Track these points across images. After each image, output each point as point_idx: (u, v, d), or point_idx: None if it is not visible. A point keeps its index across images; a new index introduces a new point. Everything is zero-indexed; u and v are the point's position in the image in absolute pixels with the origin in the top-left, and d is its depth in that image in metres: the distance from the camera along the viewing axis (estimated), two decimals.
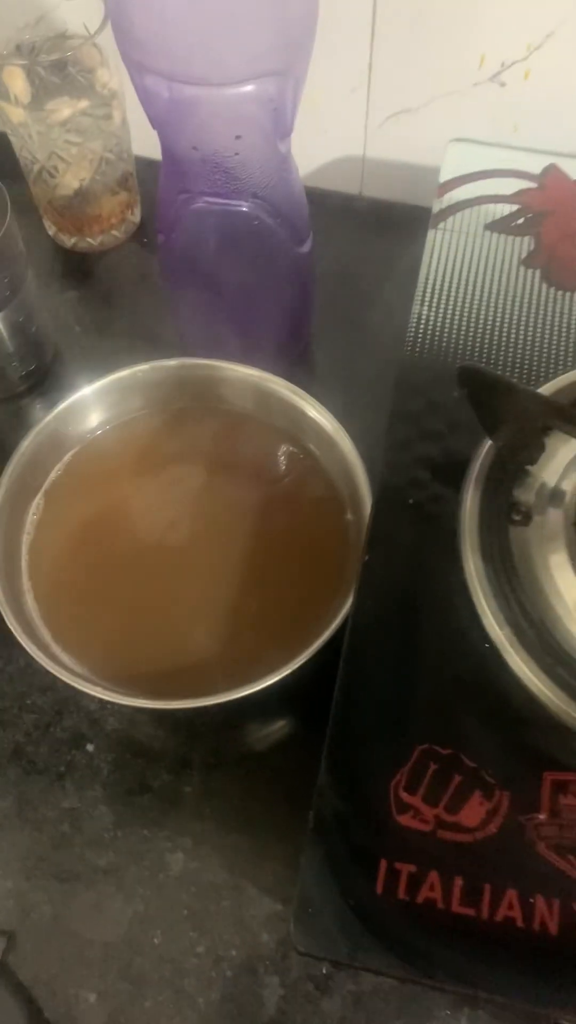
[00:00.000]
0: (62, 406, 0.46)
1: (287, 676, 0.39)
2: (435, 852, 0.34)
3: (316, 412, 0.45)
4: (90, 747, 0.45)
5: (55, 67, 0.51)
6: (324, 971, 0.41)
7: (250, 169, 0.41)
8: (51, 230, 0.60)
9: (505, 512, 0.41)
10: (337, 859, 0.34)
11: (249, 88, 0.37)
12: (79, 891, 0.42)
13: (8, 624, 0.40)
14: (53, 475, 0.47)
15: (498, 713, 0.37)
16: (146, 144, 0.42)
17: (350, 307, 0.55)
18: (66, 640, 0.42)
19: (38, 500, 0.46)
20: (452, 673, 0.37)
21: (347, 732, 0.36)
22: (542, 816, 0.34)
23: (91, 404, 0.47)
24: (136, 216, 0.60)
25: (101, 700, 0.44)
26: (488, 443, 0.42)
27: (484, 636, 0.38)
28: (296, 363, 0.51)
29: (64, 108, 0.50)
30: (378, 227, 0.59)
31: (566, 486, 0.41)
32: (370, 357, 0.52)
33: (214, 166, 0.41)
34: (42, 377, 0.56)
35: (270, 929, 0.41)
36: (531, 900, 0.33)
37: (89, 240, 0.59)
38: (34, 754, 0.45)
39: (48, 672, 0.39)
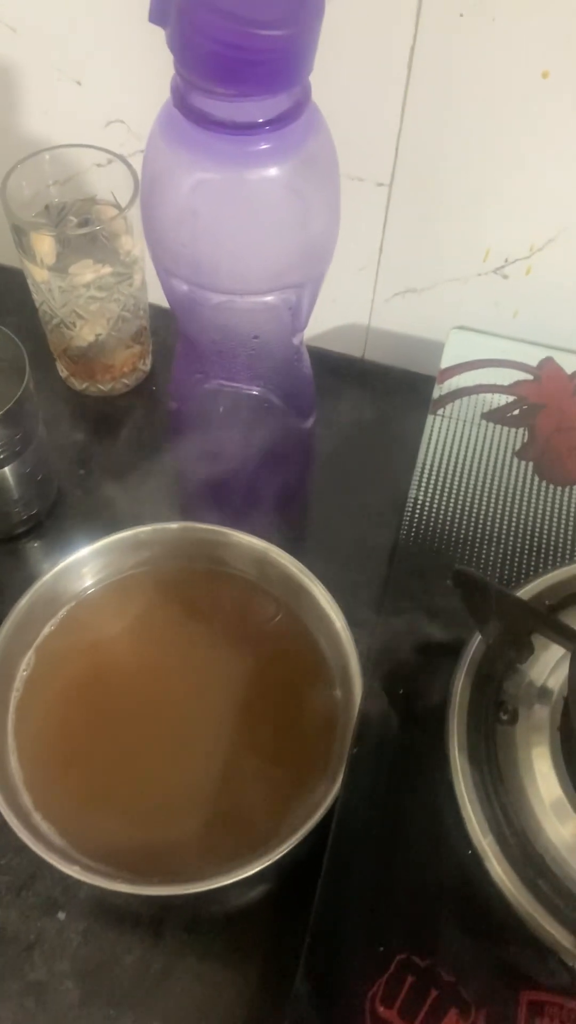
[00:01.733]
0: (61, 565, 0.47)
1: (268, 867, 0.39)
2: None
3: (313, 586, 0.46)
4: (62, 915, 0.44)
5: (83, 235, 0.53)
6: None
7: (265, 361, 0.43)
8: (63, 373, 0.62)
9: (493, 710, 0.41)
10: None
11: (270, 298, 0.39)
12: None
13: None
14: (46, 631, 0.47)
15: (478, 924, 0.37)
16: (161, 294, 0.44)
17: (349, 471, 0.57)
18: (47, 808, 0.42)
19: (29, 656, 0.46)
20: (434, 878, 0.38)
21: (327, 936, 0.36)
22: None
23: (90, 561, 0.48)
24: (147, 365, 0.62)
25: None
26: (479, 636, 0.43)
27: (467, 842, 0.38)
28: (293, 531, 0.52)
29: (87, 272, 0.53)
30: (379, 389, 0.62)
31: (552, 684, 0.42)
32: (364, 528, 0.54)
33: (231, 358, 0.43)
34: (43, 519, 0.57)
35: None
36: None
37: (100, 386, 0.61)
38: (4, 920, 0.44)
39: None
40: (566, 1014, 0.35)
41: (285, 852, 0.39)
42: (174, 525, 0.49)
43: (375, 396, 0.63)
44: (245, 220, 0.36)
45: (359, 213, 0.55)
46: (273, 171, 0.35)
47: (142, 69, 0.52)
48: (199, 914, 0.45)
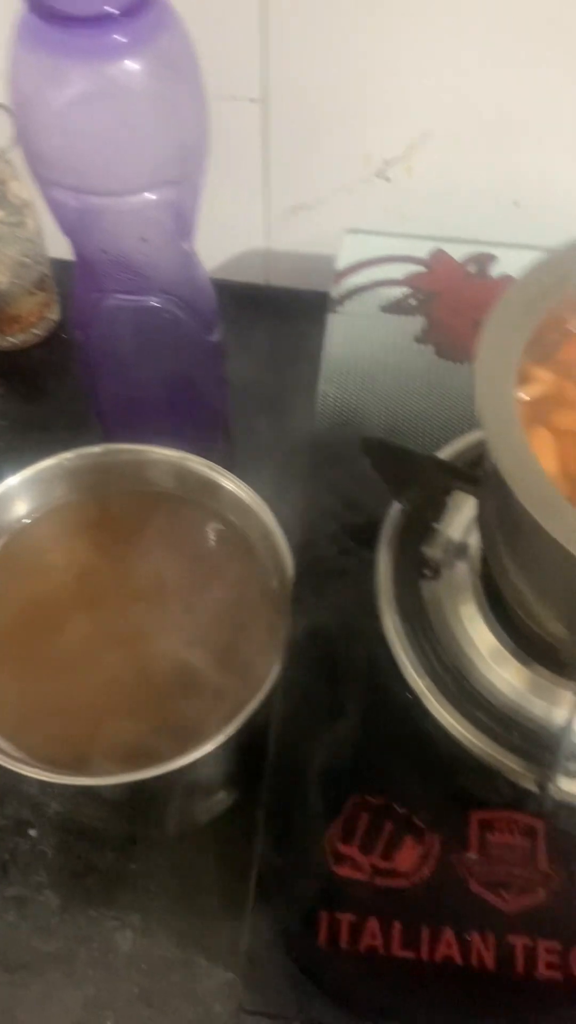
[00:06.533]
0: None
1: (222, 745, 0.40)
2: (373, 900, 0.35)
3: (235, 487, 0.48)
4: (33, 832, 0.45)
5: None
6: None
7: (157, 267, 0.44)
8: None
9: (416, 569, 0.43)
10: (280, 916, 0.35)
11: (150, 196, 0.40)
12: (28, 981, 0.42)
13: None
14: None
15: (424, 759, 0.39)
16: (62, 247, 0.45)
17: (263, 388, 0.58)
18: (2, 725, 0.43)
19: None
20: (379, 725, 0.39)
21: (282, 791, 0.38)
22: (472, 855, 0.36)
23: (18, 494, 0.49)
24: (55, 314, 0.63)
25: (41, 784, 0.45)
26: (397, 506, 0.45)
27: (405, 686, 0.40)
28: (215, 444, 0.54)
29: None
30: (285, 314, 0.63)
31: (471, 540, 0.44)
32: (285, 434, 0.55)
33: (123, 266, 0.44)
34: None
35: (223, 999, 0.41)
36: (468, 938, 0.35)
37: (10, 339, 0.61)
38: None
39: None
40: (513, 826, 0.37)
41: (240, 725, 0.40)
42: (96, 448, 0.50)
43: (283, 320, 0.64)
44: (111, 116, 0.37)
45: (237, 132, 0.56)
46: (131, 64, 0.36)
47: None
48: (167, 818, 0.46)
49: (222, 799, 0.47)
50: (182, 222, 0.44)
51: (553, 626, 0.36)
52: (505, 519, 0.35)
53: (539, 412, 0.36)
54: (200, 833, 0.46)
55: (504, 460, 0.30)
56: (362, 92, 0.53)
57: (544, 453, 0.34)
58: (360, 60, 0.52)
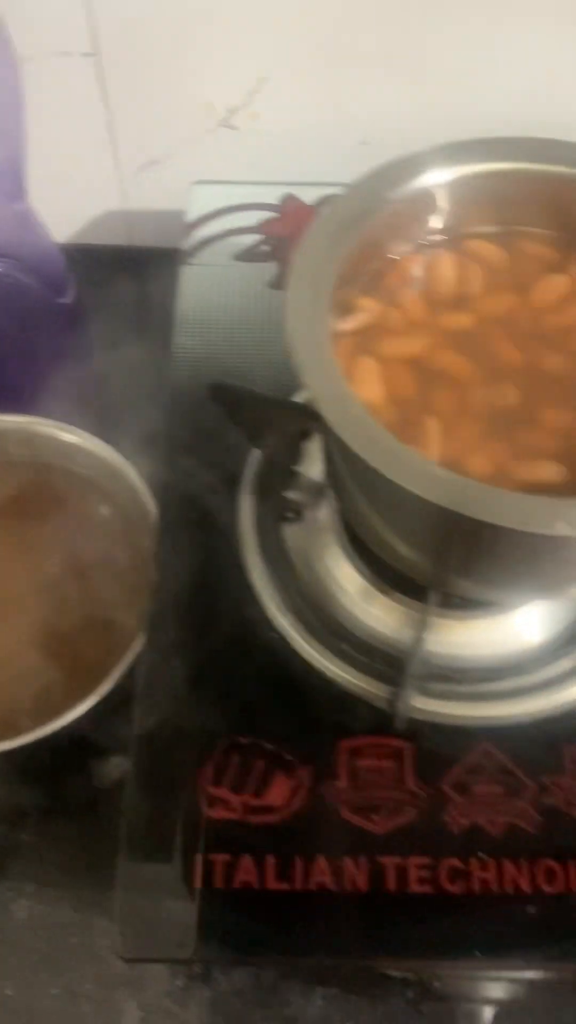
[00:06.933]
0: None
1: (101, 703, 0.40)
2: (246, 837, 0.36)
3: (95, 447, 0.47)
4: None
5: None
6: (180, 984, 0.41)
7: None
8: None
9: (279, 513, 0.43)
10: (154, 862, 0.35)
11: None
12: None
13: None
14: None
15: (292, 696, 0.39)
16: None
17: (127, 349, 0.58)
18: None
19: None
20: (246, 667, 0.40)
21: (150, 741, 0.38)
22: (342, 783, 0.37)
23: None
24: None
25: None
26: (257, 452, 0.45)
27: (271, 627, 0.40)
28: (76, 407, 0.53)
29: None
30: (147, 273, 0.62)
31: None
32: (149, 392, 0.55)
33: None
34: None
35: None
36: (340, 863, 0.35)
37: None
38: None
39: None
40: (380, 750, 0.37)
41: (111, 687, 0.40)
42: None
43: (146, 279, 0.63)
44: None
45: (76, 90, 0.55)
46: None
47: None
48: (58, 787, 0.46)
49: (117, 764, 0.47)
50: (8, 183, 0.43)
51: (403, 550, 0.37)
52: (339, 453, 0.36)
53: (365, 342, 0.36)
54: (96, 799, 0.46)
55: (317, 389, 0.30)
56: (194, 38, 0.52)
57: (370, 382, 0.35)
58: (188, 3, 0.51)
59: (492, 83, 0.56)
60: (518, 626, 0.40)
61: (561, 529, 0.27)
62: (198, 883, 0.35)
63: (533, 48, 0.54)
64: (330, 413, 0.30)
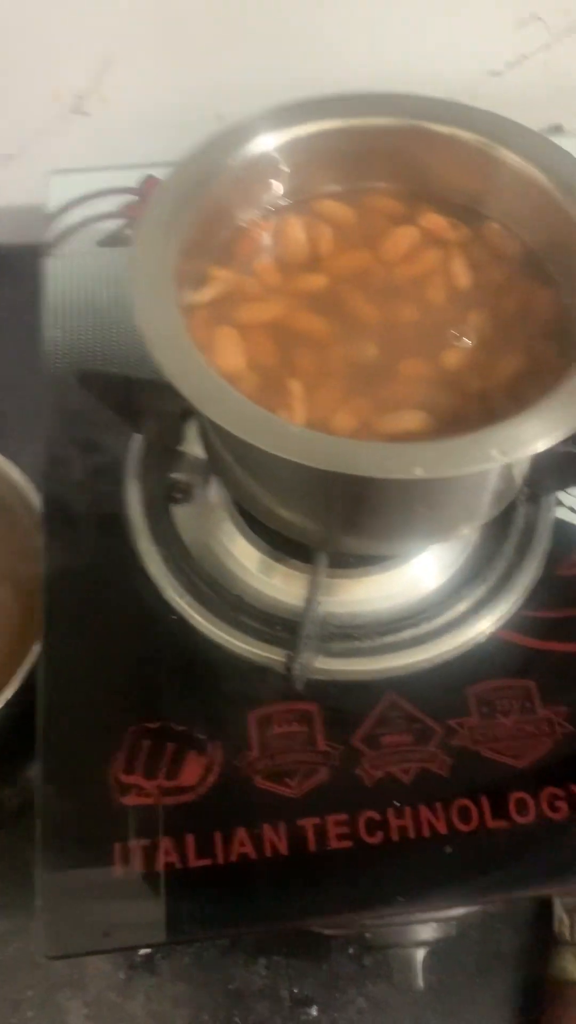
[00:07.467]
0: None
1: (6, 707, 0.39)
2: (164, 820, 0.35)
3: None
4: None
5: None
6: (123, 976, 0.41)
7: None
8: None
9: (167, 495, 0.43)
10: (73, 856, 0.35)
11: None
12: None
13: None
14: None
15: (197, 675, 0.39)
16: None
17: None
18: None
19: None
20: (148, 651, 0.39)
21: (58, 737, 0.37)
22: (253, 753, 0.37)
23: None
24: None
25: None
26: (138, 437, 0.44)
27: (169, 610, 0.40)
28: None
29: None
30: (18, 270, 0.61)
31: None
32: (27, 390, 0.54)
33: None
34: None
35: None
36: (259, 831, 0.35)
37: None
38: None
39: None
40: (289, 715, 0.38)
41: (20, 684, 0.39)
42: None
43: (18, 278, 0.62)
44: None
45: None
46: None
47: None
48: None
49: None
50: None
51: (286, 515, 0.37)
52: (207, 424, 0.36)
53: (222, 312, 0.36)
54: (27, 805, 0.45)
55: (169, 364, 0.30)
56: (32, 23, 0.51)
57: (231, 351, 0.35)
58: None
59: (344, 48, 0.56)
60: (413, 575, 0.41)
61: (419, 473, 0.28)
62: (118, 871, 0.35)
63: (384, 9, 0.54)
64: (185, 386, 0.30)
